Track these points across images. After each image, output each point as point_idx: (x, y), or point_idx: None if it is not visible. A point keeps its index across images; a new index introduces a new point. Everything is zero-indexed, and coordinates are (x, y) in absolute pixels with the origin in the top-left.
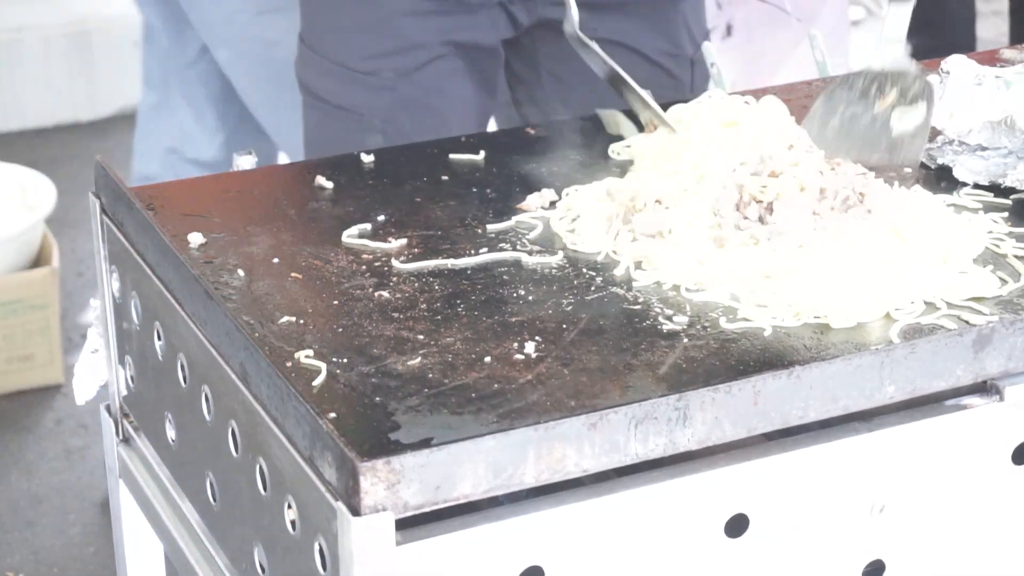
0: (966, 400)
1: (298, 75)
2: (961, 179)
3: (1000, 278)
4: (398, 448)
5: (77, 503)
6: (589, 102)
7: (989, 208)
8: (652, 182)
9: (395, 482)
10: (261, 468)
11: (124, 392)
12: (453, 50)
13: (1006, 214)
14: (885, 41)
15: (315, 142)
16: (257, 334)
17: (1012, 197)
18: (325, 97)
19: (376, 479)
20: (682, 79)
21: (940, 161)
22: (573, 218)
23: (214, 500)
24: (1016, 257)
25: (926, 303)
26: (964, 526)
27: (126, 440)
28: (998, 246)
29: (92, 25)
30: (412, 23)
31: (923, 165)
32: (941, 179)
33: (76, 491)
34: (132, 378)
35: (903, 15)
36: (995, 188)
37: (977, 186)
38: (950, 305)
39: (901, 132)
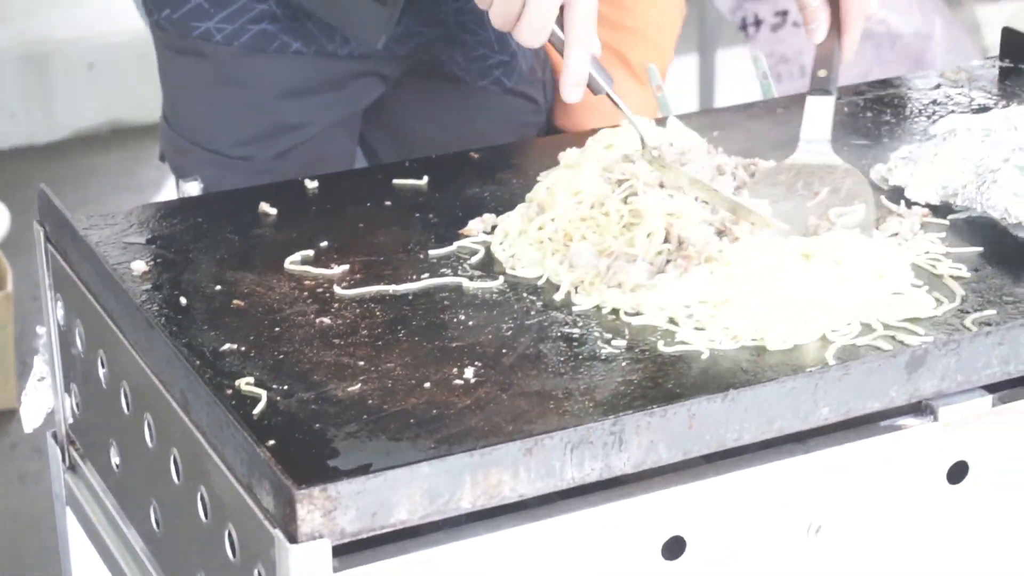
0: (901, 421)
1: (167, 158)
2: (913, 200)
3: (936, 298)
4: (335, 475)
5: (31, 528)
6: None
7: (927, 228)
8: (569, 212)
9: (331, 509)
10: (202, 495)
11: (70, 419)
12: (330, 124)
13: (943, 234)
14: (804, 141)
15: None
16: (198, 362)
17: (949, 217)
18: (200, 182)
19: (312, 506)
20: (538, 101)
21: (893, 182)
22: (507, 244)
23: (158, 527)
24: (952, 277)
25: (862, 324)
26: (901, 546)
27: (72, 467)
28: (935, 266)
29: (48, 48)
30: (287, 105)
31: (877, 188)
32: (894, 200)
33: (30, 515)
34: (78, 405)
35: (825, 111)
36: (947, 209)
37: (929, 206)
38: (886, 326)
39: (843, 229)
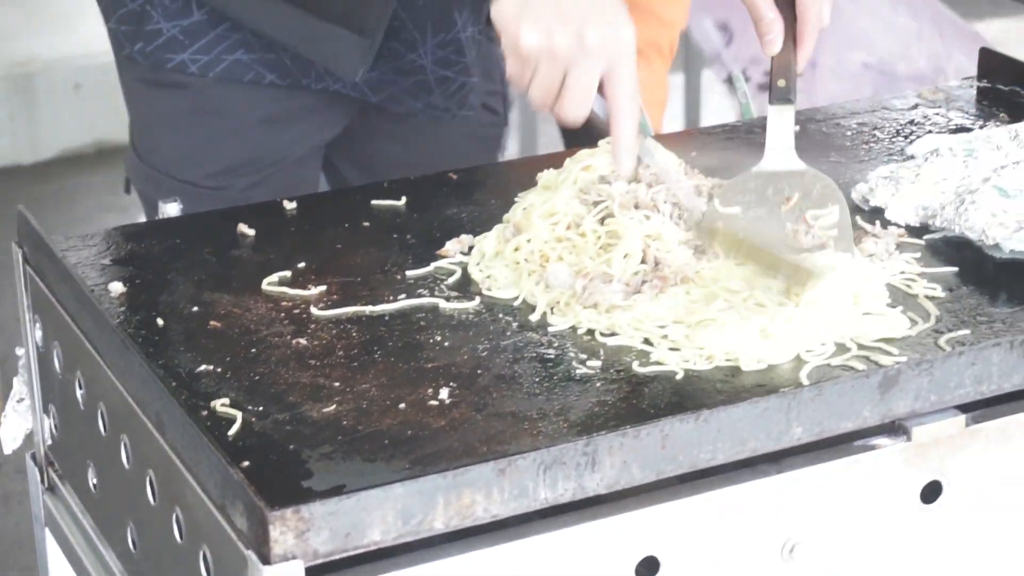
0: (874, 440)
1: (137, 189)
2: (893, 220)
3: (911, 318)
4: (308, 496)
5: (15, 547)
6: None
7: (903, 248)
8: (542, 233)
9: (304, 530)
10: (177, 516)
11: (48, 441)
12: (306, 151)
13: (919, 254)
14: (770, 149)
15: None
16: (174, 383)
17: (925, 237)
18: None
19: (285, 527)
20: (499, 113)
21: (873, 203)
22: (484, 265)
23: (134, 548)
24: (927, 297)
25: (837, 344)
26: (875, 565)
27: (51, 488)
28: (910, 286)
29: (34, 68)
30: (264, 135)
31: (857, 208)
32: (874, 220)
33: (14, 536)
34: (56, 427)
35: (786, 120)
36: (924, 229)
37: (908, 227)
38: (860, 346)
39: (822, 230)
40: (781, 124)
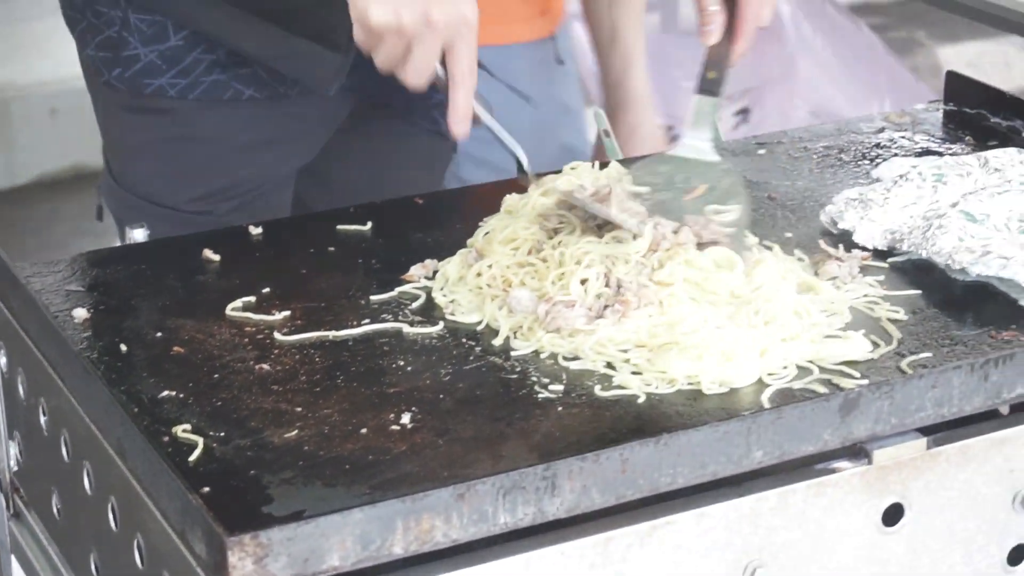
0: (836, 464)
1: (115, 215)
2: (861, 244)
3: (873, 341)
4: (267, 521)
5: None
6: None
7: (867, 271)
8: (503, 260)
9: (263, 556)
10: (139, 543)
11: (14, 467)
12: (281, 176)
13: (883, 277)
14: (688, 137)
15: None
16: (135, 409)
17: (888, 260)
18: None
19: (244, 553)
20: (451, 141)
21: (841, 226)
22: (447, 290)
23: (98, 574)
24: (890, 320)
25: (799, 367)
26: None
27: (17, 515)
28: (873, 309)
29: (9, 94)
30: (248, 158)
31: (825, 231)
32: (842, 243)
33: None
34: (21, 453)
35: (708, 112)
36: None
37: (877, 251)
38: (822, 369)
39: (719, 229)
40: (703, 114)
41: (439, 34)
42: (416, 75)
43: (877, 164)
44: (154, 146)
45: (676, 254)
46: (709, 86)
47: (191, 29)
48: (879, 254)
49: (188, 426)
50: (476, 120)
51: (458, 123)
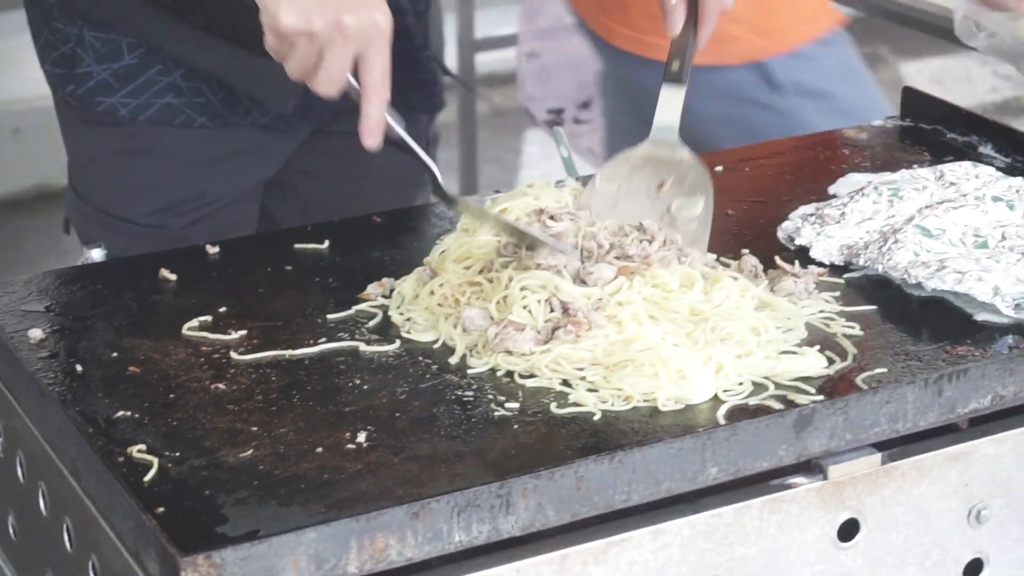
0: (791, 480)
1: (76, 227)
2: (818, 259)
3: (828, 357)
4: (221, 541)
5: None
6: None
7: (823, 287)
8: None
9: None
10: (94, 564)
11: None
12: (243, 191)
13: (838, 293)
14: (656, 129)
15: None
16: (90, 429)
17: (844, 276)
18: (109, 251)
19: (197, 573)
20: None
21: (798, 242)
22: (403, 308)
23: None
24: (845, 336)
25: (754, 384)
26: None
27: None
28: (828, 325)
29: None
30: (199, 174)
31: (782, 247)
32: (798, 259)
33: None
34: None
35: (676, 100)
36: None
37: (833, 266)
38: (778, 385)
39: (682, 221)
40: (670, 105)
41: (351, 41)
42: (328, 84)
43: (834, 180)
44: (110, 159)
45: (641, 272)
46: (674, 76)
47: (147, 48)
48: (835, 270)
49: (143, 446)
50: (390, 132)
51: (369, 135)
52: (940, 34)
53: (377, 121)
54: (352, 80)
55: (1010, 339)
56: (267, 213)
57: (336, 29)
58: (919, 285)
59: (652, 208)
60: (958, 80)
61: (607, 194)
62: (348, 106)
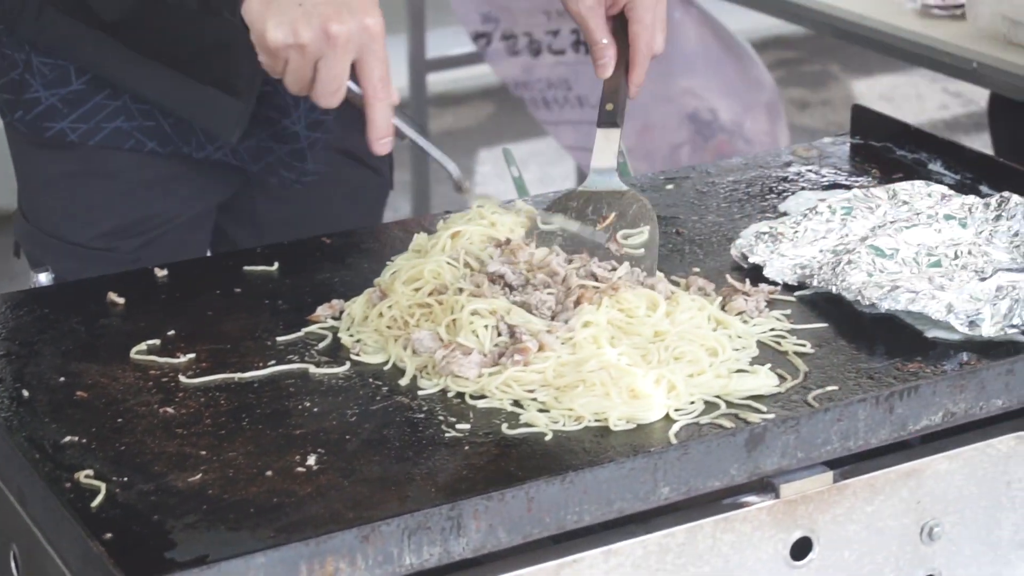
0: (743, 498)
1: (26, 252)
2: (772, 278)
3: (780, 375)
4: (169, 567)
5: None
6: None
7: (775, 305)
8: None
9: None
10: None
11: None
12: (195, 214)
13: (790, 311)
14: (593, 171)
15: None
16: (36, 455)
17: (795, 294)
18: (58, 274)
19: None
20: (384, 174)
21: (752, 260)
22: (353, 329)
23: None
24: (796, 354)
25: (706, 403)
26: None
27: None
28: (780, 343)
29: None
30: (149, 197)
31: (736, 265)
32: (752, 278)
33: None
34: None
35: (612, 142)
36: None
37: (786, 285)
38: (729, 404)
39: (628, 253)
40: (606, 146)
41: (343, 49)
42: (326, 95)
43: (784, 198)
44: (58, 182)
45: (607, 295)
46: (608, 118)
47: (94, 73)
48: (787, 287)
49: (91, 471)
50: (400, 136)
51: (377, 140)
52: (890, 52)
53: (384, 127)
54: (353, 87)
55: (964, 356)
56: (222, 234)
57: (325, 40)
58: (873, 306)
59: (593, 245)
60: (908, 97)
61: (551, 231)
62: (299, 149)
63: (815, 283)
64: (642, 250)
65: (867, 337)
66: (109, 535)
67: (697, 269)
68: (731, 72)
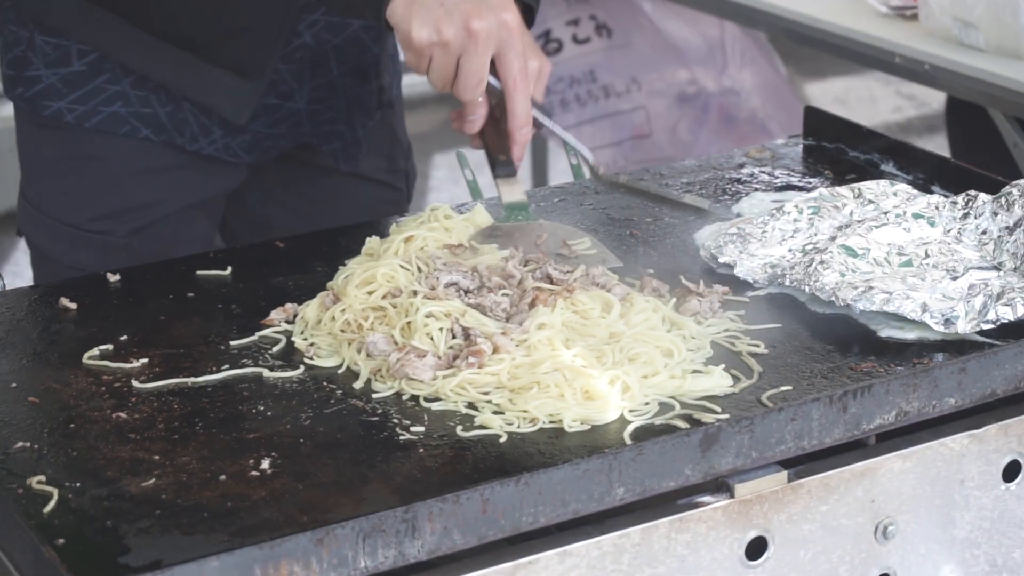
0: (698, 498)
1: (24, 232)
2: (743, 277)
3: (734, 375)
4: (123, 572)
5: None
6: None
7: (728, 306)
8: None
9: None
10: None
11: None
12: (187, 204)
13: (743, 311)
14: (508, 205)
15: None
16: None
17: (748, 294)
18: (56, 258)
19: None
20: (401, 189)
21: (722, 260)
22: (307, 333)
23: None
24: (750, 354)
25: (660, 404)
26: None
27: None
28: (733, 344)
29: None
30: (143, 182)
31: (688, 266)
32: (705, 279)
33: None
34: None
35: (515, 187)
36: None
37: (739, 284)
38: (684, 405)
39: (583, 254)
40: (513, 192)
41: (484, 44)
42: (469, 88)
43: (738, 199)
44: (56, 163)
45: (561, 296)
46: (504, 170)
47: (97, 55)
48: (740, 288)
49: (43, 477)
50: (538, 125)
51: (519, 129)
52: (843, 55)
53: (524, 116)
54: (493, 80)
55: (916, 355)
56: (233, 234)
57: (467, 36)
58: (848, 306)
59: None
60: (862, 100)
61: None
62: (293, 146)
63: (787, 282)
64: (594, 250)
65: (820, 337)
66: (62, 541)
67: (651, 270)
68: (698, 43)
